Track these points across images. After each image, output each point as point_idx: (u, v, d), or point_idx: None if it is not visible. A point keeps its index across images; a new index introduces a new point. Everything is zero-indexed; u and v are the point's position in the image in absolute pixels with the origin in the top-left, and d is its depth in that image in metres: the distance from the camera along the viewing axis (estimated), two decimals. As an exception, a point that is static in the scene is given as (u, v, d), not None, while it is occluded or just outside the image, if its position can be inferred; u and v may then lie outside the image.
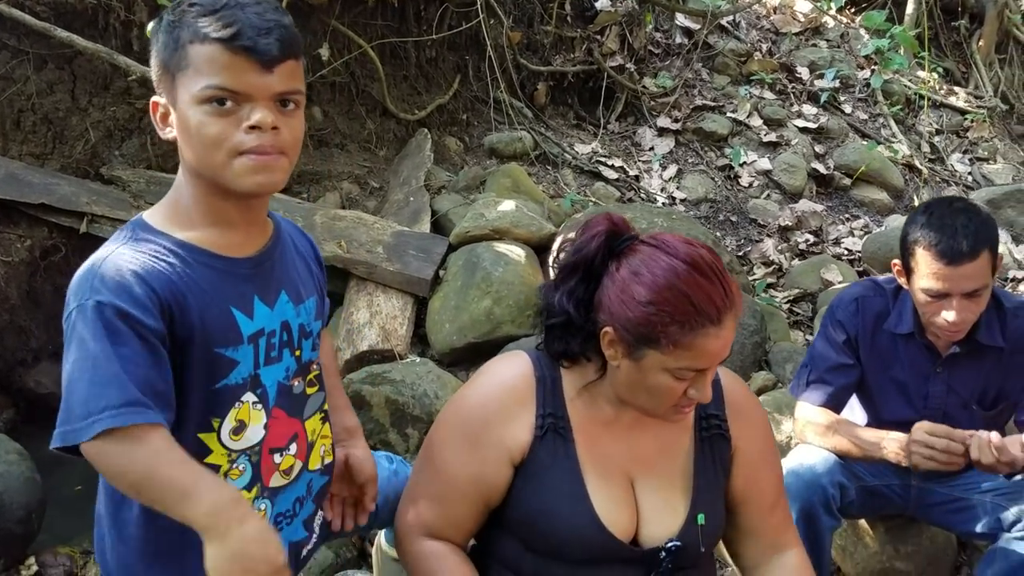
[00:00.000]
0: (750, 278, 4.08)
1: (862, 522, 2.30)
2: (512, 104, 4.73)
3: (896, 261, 2.01)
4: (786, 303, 3.90)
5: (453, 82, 4.58)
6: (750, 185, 5.00)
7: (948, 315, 1.86)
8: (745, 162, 5.09)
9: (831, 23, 6.34)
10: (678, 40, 5.71)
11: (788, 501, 1.96)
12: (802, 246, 4.58)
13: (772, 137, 5.26)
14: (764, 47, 5.99)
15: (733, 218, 4.76)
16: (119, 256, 1.17)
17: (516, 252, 3.39)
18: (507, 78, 4.71)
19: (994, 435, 1.76)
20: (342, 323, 3.45)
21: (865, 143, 5.39)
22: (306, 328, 1.35)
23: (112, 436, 1.08)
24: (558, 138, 4.86)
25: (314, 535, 1.47)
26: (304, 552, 1.45)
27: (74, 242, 3.47)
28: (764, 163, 5.11)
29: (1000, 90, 6.39)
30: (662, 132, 5.16)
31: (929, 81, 6.03)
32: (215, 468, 1.24)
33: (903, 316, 2.04)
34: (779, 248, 4.53)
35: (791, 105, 5.61)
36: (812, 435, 2.03)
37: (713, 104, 5.38)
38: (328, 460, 1.44)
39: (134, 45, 3.53)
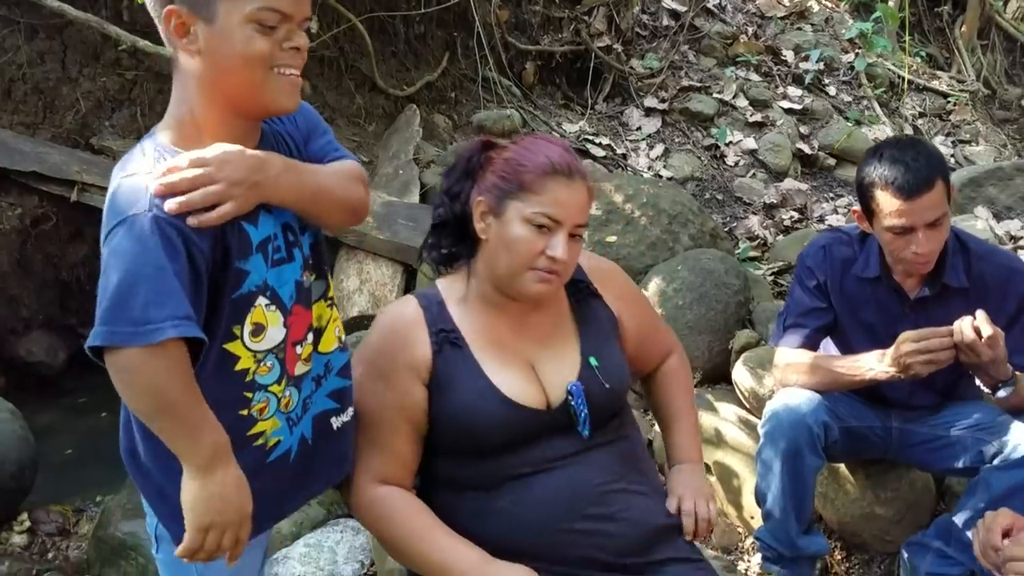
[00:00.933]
0: (736, 253, 4.13)
1: (843, 469, 2.35)
2: (500, 83, 4.77)
3: (856, 208, 2.05)
4: (771, 275, 3.95)
5: (442, 59, 4.62)
6: (736, 164, 5.06)
7: (915, 248, 1.91)
8: (731, 142, 5.15)
9: (816, 7, 6.41)
10: (665, 22, 5.77)
11: (774, 441, 2.03)
12: (787, 222, 4.63)
13: (758, 118, 5.32)
14: (750, 30, 6.05)
15: (719, 196, 4.82)
16: (143, 196, 1.20)
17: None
18: (496, 56, 4.75)
19: (979, 315, 1.81)
20: (332, 292, 3.48)
21: (848, 124, 5.46)
22: (294, 225, 1.38)
23: (159, 348, 1.13)
24: (546, 117, 4.91)
25: (350, 408, 1.51)
26: (338, 423, 1.48)
27: (65, 211, 3.49)
28: (750, 143, 5.17)
29: (982, 75, 6.48)
30: (649, 112, 5.21)
31: (912, 65, 6.11)
32: (245, 371, 1.31)
33: (870, 261, 2.09)
34: (764, 224, 4.59)
35: (776, 87, 5.67)
36: (794, 376, 2.07)
37: (699, 85, 5.43)
38: (344, 338, 1.51)
39: (124, 15, 3.55)
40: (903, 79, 5.95)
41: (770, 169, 5.05)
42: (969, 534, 1.96)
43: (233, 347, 1.29)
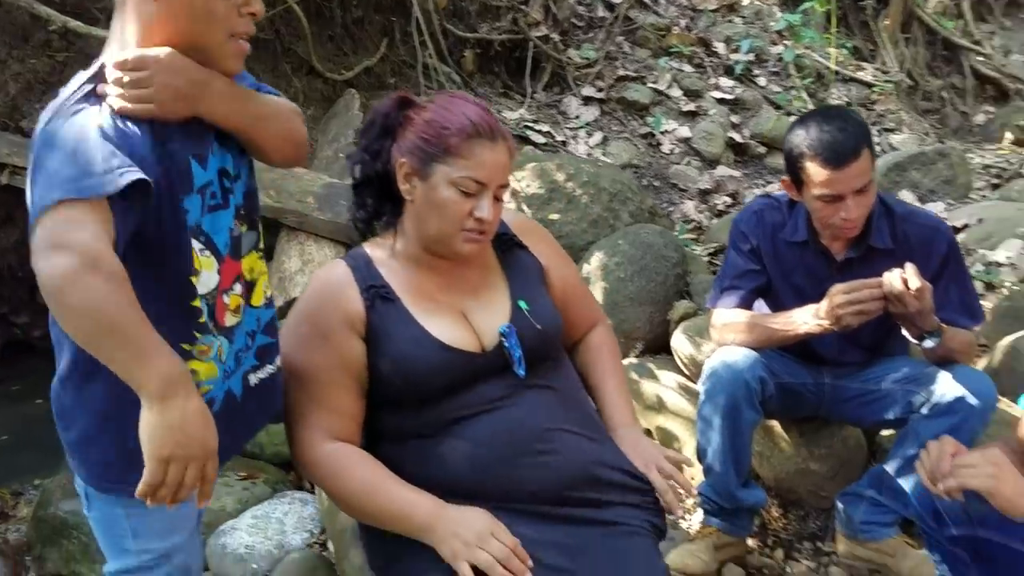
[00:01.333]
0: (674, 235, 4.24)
1: (777, 428, 2.44)
2: (440, 70, 4.79)
3: (785, 178, 2.15)
4: (707, 255, 4.06)
5: (380, 45, 4.62)
6: (671, 152, 5.17)
7: (844, 214, 2.00)
8: (666, 130, 5.26)
9: (746, 0, 6.58)
10: (600, 13, 5.86)
11: (713, 397, 2.10)
12: (720, 207, 4.77)
13: (691, 107, 5.44)
14: (682, 22, 6.18)
15: (656, 183, 4.92)
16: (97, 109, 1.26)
17: (446, 199, 3.47)
18: (434, 43, 4.77)
19: (908, 267, 1.91)
20: (273, 272, 3.46)
21: (777, 113, 5.63)
22: (235, 170, 1.43)
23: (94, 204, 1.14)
24: (486, 104, 4.94)
25: (268, 365, 1.53)
26: (255, 380, 1.51)
27: (-6, 194, 3.40)
28: (684, 131, 5.29)
29: (905, 67, 6.74)
30: (587, 101, 5.29)
31: (838, 56, 6.32)
32: (198, 310, 1.33)
33: (798, 226, 2.18)
34: (699, 209, 4.72)
35: (708, 77, 5.81)
36: (731, 334, 2.15)
37: (635, 75, 5.54)
38: (270, 293, 1.54)
39: (55, -5, 3.48)
40: (830, 70, 6.17)
41: (704, 157, 5.18)
42: (901, 482, 2.07)
43: (195, 281, 1.32)
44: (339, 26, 4.39)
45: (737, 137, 5.36)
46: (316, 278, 1.69)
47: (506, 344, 1.57)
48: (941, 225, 2.21)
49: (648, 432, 2.64)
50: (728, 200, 4.79)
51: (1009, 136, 6.22)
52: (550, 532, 1.48)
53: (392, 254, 1.62)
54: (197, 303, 1.33)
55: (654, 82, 5.52)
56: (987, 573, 1.71)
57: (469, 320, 1.60)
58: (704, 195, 4.79)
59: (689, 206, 4.59)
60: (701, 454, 2.18)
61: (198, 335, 1.35)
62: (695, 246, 4.16)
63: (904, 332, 2.08)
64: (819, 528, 2.46)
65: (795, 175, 2.08)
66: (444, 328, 1.57)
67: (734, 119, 5.55)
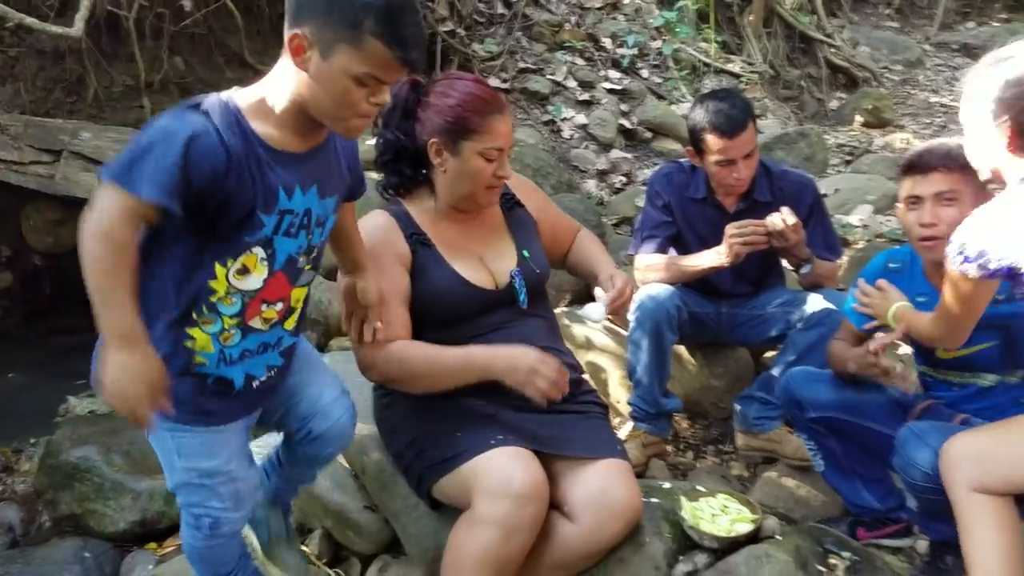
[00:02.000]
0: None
1: (685, 353, 2.98)
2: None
3: (689, 148, 2.69)
4: (612, 224, 4.61)
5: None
6: (571, 137, 5.70)
7: (736, 175, 2.56)
8: (565, 118, 5.79)
9: (627, -1, 7.19)
10: (499, 10, 6.33)
11: (641, 324, 2.60)
12: (617, 185, 5.34)
13: (586, 97, 5.99)
14: (572, 19, 6.72)
15: (560, 165, 5.44)
16: (203, 125, 1.45)
17: (373, 176, 3.85)
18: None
19: (784, 209, 2.47)
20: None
21: (660, 102, 6.25)
22: (322, 218, 1.65)
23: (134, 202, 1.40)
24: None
25: (271, 375, 1.74)
26: (256, 383, 1.71)
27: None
28: (581, 118, 5.83)
29: (768, 59, 7.51)
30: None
31: (710, 50, 7.02)
32: (213, 291, 1.58)
33: (698, 186, 2.73)
34: (600, 187, 5.27)
35: (599, 70, 6.37)
36: (652, 274, 2.67)
37: (535, 67, 6.04)
38: (299, 327, 1.78)
39: (6, -7, 3.65)
40: (703, 63, 6.85)
41: (599, 141, 5.74)
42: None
43: (219, 271, 1.56)
44: (267, 20, 4.69)
45: (627, 124, 5.95)
46: (364, 223, 2.01)
47: (515, 283, 2.04)
48: (808, 180, 2.80)
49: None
50: (624, 179, 5.37)
51: (859, 119, 7.08)
52: (545, 417, 1.96)
53: (424, 210, 2.05)
54: (217, 286, 1.56)
55: (552, 74, 6.05)
56: (840, 441, 2.28)
57: (486, 263, 2.05)
58: (602, 175, 5.35)
59: (591, 184, 5.14)
60: (631, 371, 2.69)
61: (206, 310, 1.58)
62: (603, 219, 4.71)
63: (784, 263, 2.66)
64: (720, 434, 3.02)
65: (696, 146, 2.62)
66: (468, 269, 2.01)
67: (623, 107, 6.14)
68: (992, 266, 1.63)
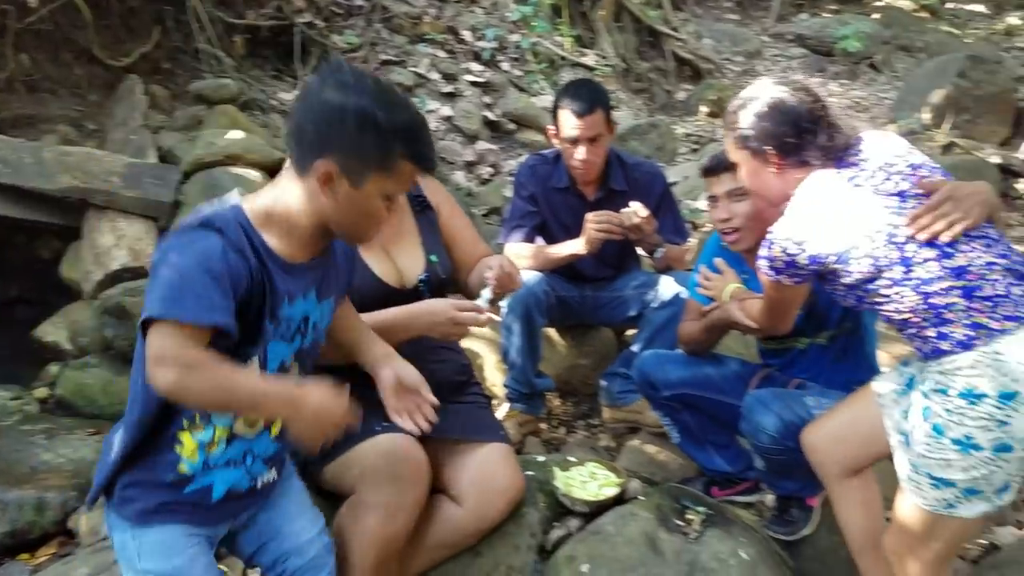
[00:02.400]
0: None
1: (555, 335, 3.16)
2: (214, 54, 5.05)
3: (550, 127, 2.86)
4: (481, 215, 4.74)
5: (154, 32, 4.80)
6: (437, 129, 5.78)
7: (578, 154, 2.75)
8: (430, 110, 5.86)
9: (485, -8, 7.32)
10: (358, 2, 6.32)
11: (513, 309, 2.73)
12: (485, 176, 5.48)
13: (449, 89, 6.08)
14: (432, 12, 6.79)
15: (424, 155, 5.53)
16: (216, 243, 1.44)
17: (253, 174, 3.83)
18: (206, 30, 5.01)
19: (635, 204, 2.67)
20: (86, 249, 3.65)
21: (521, 95, 6.43)
22: (318, 323, 1.65)
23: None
24: (261, 86, 5.27)
25: (255, 486, 1.68)
26: (236, 494, 1.65)
27: None
28: (446, 110, 5.92)
29: (620, 53, 7.82)
30: (355, 83, 5.75)
31: (566, 44, 7.25)
32: None
33: (561, 175, 2.90)
34: (468, 178, 5.40)
35: (460, 62, 6.47)
36: (521, 261, 2.81)
37: (397, 59, 6.07)
38: (283, 435, 1.68)
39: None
40: (560, 56, 7.08)
41: (465, 133, 5.85)
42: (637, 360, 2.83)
43: None
44: (116, 15, 4.53)
45: (491, 115, 6.09)
46: None
47: (422, 288, 2.08)
48: (658, 170, 3.03)
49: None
50: (491, 170, 5.51)
51: (704, 109, 7.49)
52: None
53: None
54: None
55: (415, 66, 6.10)
56: (692, 414, 2.49)
57: (393, 259, 2.09)
58: (470, 166, 5.47)
59: (459, 176, 5.25)
60: (505, 354, 2.83)
61: (198, 416, 1.55)
62: (474, 211, 4.83)
63: (639, 251, 2.86)
64: (589, 408, 3.21)
65: (555, 123, 2.81)
66: (377, 264, 2.05)
67: (486, 100, 6.27)
68: (802, 273, 1.83)
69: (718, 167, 2.25)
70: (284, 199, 1.54)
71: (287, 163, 1.55)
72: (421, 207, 2.21)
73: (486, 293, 1.95)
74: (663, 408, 2.52)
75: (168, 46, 4.97)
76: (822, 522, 2.35)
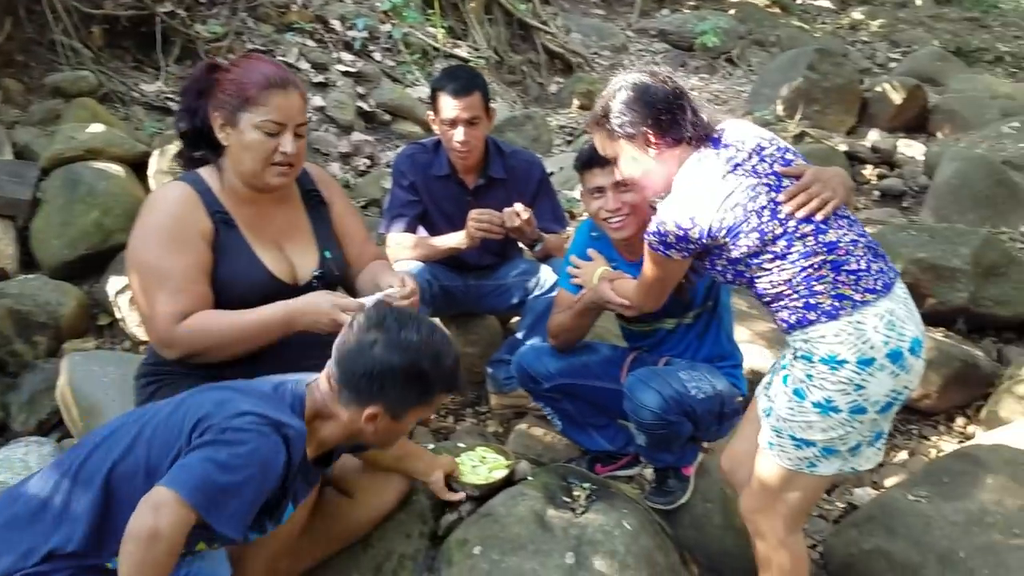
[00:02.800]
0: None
1: (439, 324, 3.18)
2: (71, 46, 4.80)
3: (430, 112, 2.89)
4: (360, 206, 4.71)
5: (5, 23, 4.51)
6: (309, 120, 5.68)
7: (457, 135, 2.80)
8: (301, 100, 5.75)
9: (354, -19, 7.23)
10: (223, -10, 6.13)
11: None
12: (362, 168, 5.44)
13: (320, 79, 5.99)
14: (300, 0, 6.65)
15: (299, 147, 5.43)
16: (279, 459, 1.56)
17: (115, 168, 3.68)
18: (62, 20, 4.75)
19: (517, 205, 2.73)
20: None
21: (395, 85, 6.40)
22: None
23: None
24: (122, 78, 5.05)
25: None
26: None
27: None
28: (318, 101, 5.83)
29: (492, 45, 7.89)
30: (222, 74, 5.58)
31: (438, 35, 7.26)
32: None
33: (441, 163, 2.94)
34: (344, 170, 5.34)
35: (331, 52, 6.38)
36: (403, 252, 2.84)
37: (264, 49, 5.92)
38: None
39: None
40: (433, 47, 7.08)
41: (339, 124, 5.78)
42: (528, 343, 2.92)
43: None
44: None
45: (365, 106, 6.03)
46: (162, 196, 1.96)
47: (315, 285, 2.04)
48: (536, 159, 3.11)
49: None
50: (367, 161, 5.47)
51: (576, 102, 7.67)
52: None
53: (222, 188, 1.99)
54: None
55: (283, 56, 5.96)
56: (572, 402, 2.61)
57: (286, 254, 2.03)
58: (345, 158, 5.42)
59: (335, 167, 5.19)
60: (389, 344, 2.85)
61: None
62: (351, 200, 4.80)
63: (520, 244, 2.94)
64: (476, 396, 3.27)
65: (434, 107, 2.83)
66: (270, 259, 1.99)
67: (360, 90, 6.21)
68: (691, 247, 1.93)
69: (597, 159, 2.29)
70: (327, 413, 1.69)
71: (333, 385, 1.69)
72: (314, 202, 2.16)
73: (370, 301, 1.95)
74: (544, 400, 2.63)
75: (21, 37, 4.68)
76: (696, 490, 2.50)
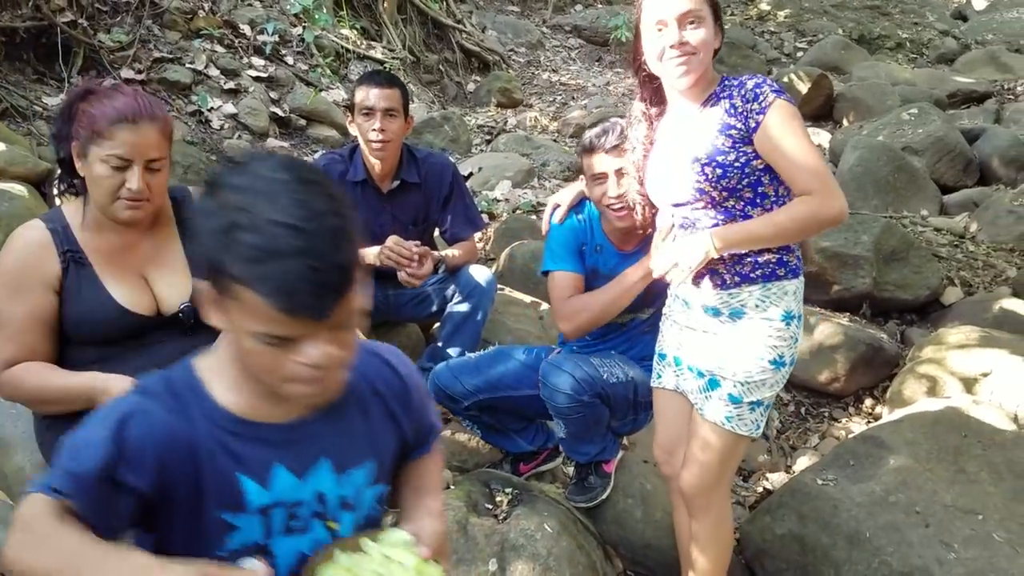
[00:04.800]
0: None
1: (361, 337, 3.19)
2: (-37, 59, 4.62)
3: (348, 114, 2.95)
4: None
5: None
6: (222, 127, 5.60)
7: (374, 125, 2.83)
8: (212, 107, 5.65)
9: (262, -16, 7.12)
10: (125, -2, 5.97)
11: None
12: (276, 175, 5.37)
13: (231, 85, 5.90)
14: (206, 6, 6.52)
15: (212, 156, 5.32)
16: (143, 407, 1.15)
17: (18, 188, 3.56)
18: (-48, 32, 4.57)
19: (408, 243, 2.78)
20: None
21: (309, 90, 6.34)
22: (348, 500, 1.22)
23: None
24: (22, 92, 4.88)
25: None
26: None
27: None
28: (229, 108, 5.74)
29: (407, 45, 7.87)
30: (128, 83, 5.43)
31: (351, 37, 7.21)
32: None
33: (357, 170, 2.95)
34: (259, 177, 5.26)
35: (241, 57, 6.29)
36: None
37: (171, 56, 5.80)
38: None
39: None
40: (346, 49, 7.03)
41: (252, 130, 5.70)
42: (448, 351, 2.94)
43: None
44: None
45: (279, 111, 5.97)
46: (18, 239, 1.92)
47: (183, 316, 1.98)
48: (448, 162, 3.15)
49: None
50: (284, 168, 5.40)
51: (494, 100, 7.71)
52: None
53: (83, 221, 1.96)
54: None
55: (191, 63, 5.85)
56: (493, 416, 2.63)
57: (151, 285, 1.98)
58: (260, 165, 5.34)
59: (249, 175, 5.11)
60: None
61: None
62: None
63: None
64: (398, 404, 3.27)
65: (351, 106, 2.92)
66: (126, 291, 1.94)
67: (273, 95, 6.13)
68: None
69: (605, 145, 2.26)
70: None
71: None
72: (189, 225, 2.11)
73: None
74: (464, 416, 2.65)
75: (-93, 51, 4.48)
76: (616, 486, 2.57)
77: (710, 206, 1.93)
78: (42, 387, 1.89)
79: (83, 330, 1.94)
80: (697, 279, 2.00)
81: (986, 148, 6.19)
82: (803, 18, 11.26)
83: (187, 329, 2.00)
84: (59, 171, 2.00)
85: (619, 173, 2.28)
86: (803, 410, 3.58)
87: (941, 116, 6.49)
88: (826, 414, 3.56)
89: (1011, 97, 8.28)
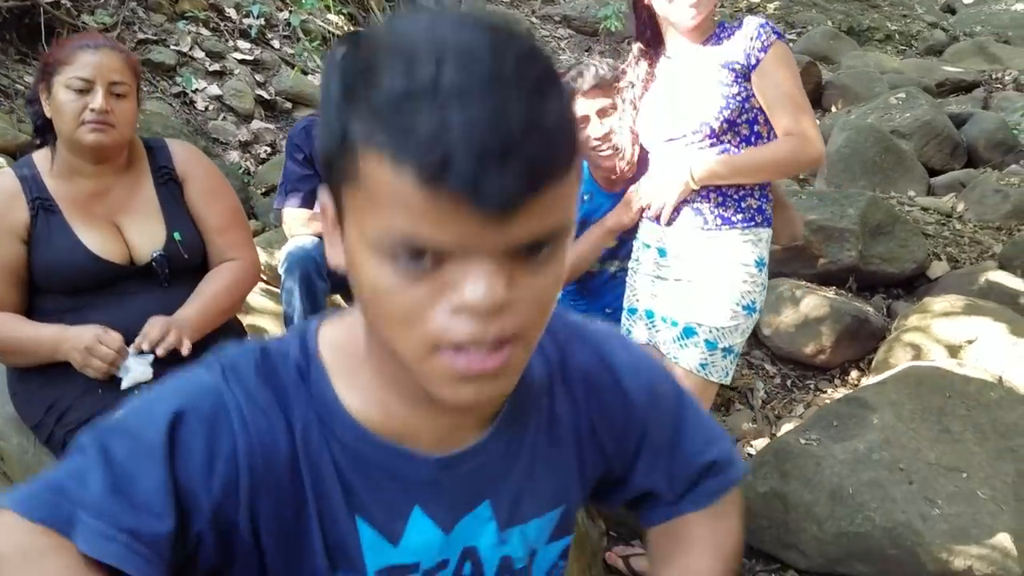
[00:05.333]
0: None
1: (341, 301, 3.16)
2: (-56, 36, 4.57)
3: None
4: (261, 193, 4.63)
5: None
6: (206, 109, 5.56)
7: None
8: (197, 89, 5.61)
9: (250, -31, 7.08)
10: (108, -21, 5.93)
11: (292, 273, 2.71)
12: (263, 156, 5.34)
13: (216, 67, 5.85)
14: (194, -10, 6.49)
15: (198, 138, 5.29)
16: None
17: (-2, 160, 3.54)
18: (-68, 8, 4.53)
19: None
20: None
21: (295, 72, 6.31)
22: (513, 561, 0.84)
23: None
24: (4, 71, 4.84)
25: None
26: None
27: None
28: (214, 89, 5.70)
29: (394, 31, 7.85)
30: (112, 64, 5.40)
31: (338, 22, 7.18)
32: None
33: None
34: (244, 158, 5.23)
35: (227, 40, 6.25)
36: (299, 227, 2.79)
37: (156, 38, 5.76)
38: None
39: None
40: (332, 33, 7.00)
41: (238, 112, 5.66)
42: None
43: None
44: None
45: (264, 94, 5.93)
46: None
47: (156, 266, 1.95)
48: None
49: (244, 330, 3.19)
50: (268, 149, 5.37)
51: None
52: None
53: (51, 169, 1.94)
54: None
55: (176, 45, 5.82)
56: None
57: (122, 233, 1.95)
58: (245, 146, 5.31)
59: (234, 155, 5.08)
60: (288, 320, 2.80)
61: None
62: (252, 189, 4.70)
63: None
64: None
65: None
66: (97, 239, 1.91)
67: (258, 78, 6.09)
68: None
69: (579, 88, 2.23)
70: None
71: None
72: (164, 179, 2.06)
73: (135, 368, 1.81)
74: None
75: None
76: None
77: (706, 139, 1.92)
78: (9, 338, 1.87)
79: (53, 278, 1.91)
80: (679, 215, 1.99)
81: (973, 132, 6.20)
82: (792, 10, 11.27)
83: (162, 281, 1.98)
84: (38, 141, 1.98)
85: (601, 112, 2.27)
86: (789, 382, 3.56)
87: (929, 100, 6.50)
88: (812, 386, 3.55)
89: (999, 86, 8.31)
